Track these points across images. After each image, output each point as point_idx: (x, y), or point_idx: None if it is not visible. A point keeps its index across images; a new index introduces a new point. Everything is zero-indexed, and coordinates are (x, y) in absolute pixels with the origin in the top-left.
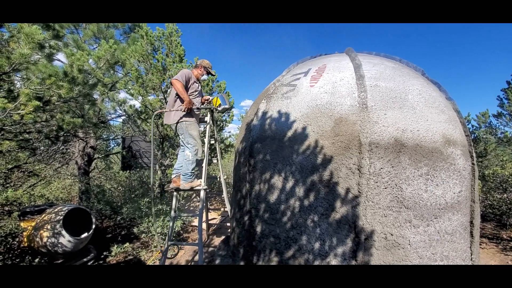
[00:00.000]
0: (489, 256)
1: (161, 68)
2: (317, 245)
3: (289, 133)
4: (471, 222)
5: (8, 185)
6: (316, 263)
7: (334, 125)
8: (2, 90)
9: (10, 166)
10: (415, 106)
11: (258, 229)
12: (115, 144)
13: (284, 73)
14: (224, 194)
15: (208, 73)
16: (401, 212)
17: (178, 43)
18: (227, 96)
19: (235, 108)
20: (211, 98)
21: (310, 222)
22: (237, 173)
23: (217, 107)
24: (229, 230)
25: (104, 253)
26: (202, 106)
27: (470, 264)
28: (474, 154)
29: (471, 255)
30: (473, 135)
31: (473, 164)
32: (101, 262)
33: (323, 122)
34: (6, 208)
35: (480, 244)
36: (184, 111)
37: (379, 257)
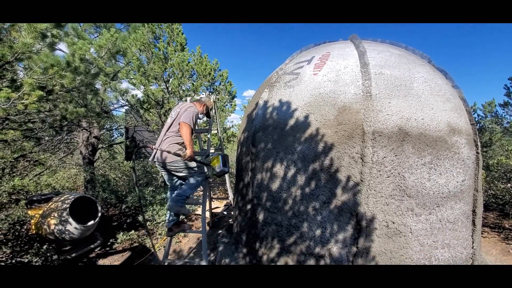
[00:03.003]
0: (490, 244)
1: (163, 57)
2: (318, 232)
3: (292, 122)
4: (474, 211)
5: (14, 174)
6: (317, 249)
7: (337, 114)
8: (5, 79)
9: (16, 156)
10: (420, 94)
11: (260, 217)
12: (119, 134)
13: (287, 61)
14: (227, 184)
15: (207, 114)
16: (403, 201)
17: (180, 31)
18: (228, 158)
19: (238, 98)
20: (211, 96)
21: (312, 209)
22: (239, 162)
23: (215, 167)
24: (230, 220)
25: (111, 240)
26: (200, 160)
27: (471, 252)
28: (479, 143)
29: (473, 243)
30: (478, 124)
31: (477, 153)
32: (107, 249)
33: (326, 110)
34: (13, 197)
35: (482, 233)
36: (183, 160)
37: (380, 244)
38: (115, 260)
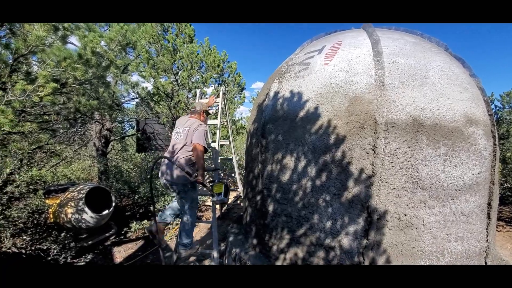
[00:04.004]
0: (505, 239)
1: (172, 49)
2: (328, 224)
3: (302, 113)
4: (489, 204)
5: (32, 164)
6: (327, 241)
7: (349, 105)
8: (20, 72)
9: (33, 147)
10: (436, 84)
11: (270, 208)
12: (130, 127)
13: (297, 51)
14: (236, 175)
15: (208, 113)
16: (416, 193)
17: (188, 22)
18: (229, 187)
19: (246, 90)
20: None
21: (322, 201)
22: (249, 154)
23: (216, 194)
24: (236, 212)
25: (125, 229)
26: (205, 189)
27: (485, 246)
28: (496, 135)
29: (487, 236)
30: (496, 115)
31: (494, 144)
32: (121, 237)
33: (337, 101)
34: (31, 187)
35: (497, 227)
36: (193, 181)
37: (391, 236)
38: (129, 248)
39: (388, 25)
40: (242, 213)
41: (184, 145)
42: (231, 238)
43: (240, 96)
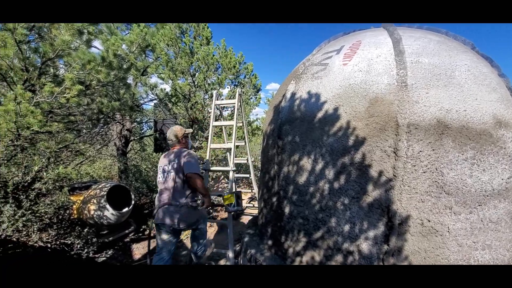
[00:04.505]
0: None
1: (189, 51)
2: (346, 227)
3: (320, 115)
4: None
5: (58, 163)
6: (346, 245)
7: (369, 106)
8: (48, 75)
9: (59, 146)
10: (462, 84)
11: (286, 210)
12: (148, 127)
13: (315, 52)
14: (252, 176)
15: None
16: (441, 198)
17: (205, 25)
18: (241, 194)
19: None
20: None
21: (340, 204)
22: (265, 155)
23: (228, 205)
24: (250, 213)
25: (143, 226)
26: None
27: None
28: None
29: None
30: None
31: None
32: (140, 234)
33: (357, 102)
34: (57, 184)
35: None
36: (204, 207)
37: (413, 243)
38: (147, 245)
39: (397, 25)
40: (257, 214)
41: (178, 181)
42: (246, 239)
43: (256, 97)
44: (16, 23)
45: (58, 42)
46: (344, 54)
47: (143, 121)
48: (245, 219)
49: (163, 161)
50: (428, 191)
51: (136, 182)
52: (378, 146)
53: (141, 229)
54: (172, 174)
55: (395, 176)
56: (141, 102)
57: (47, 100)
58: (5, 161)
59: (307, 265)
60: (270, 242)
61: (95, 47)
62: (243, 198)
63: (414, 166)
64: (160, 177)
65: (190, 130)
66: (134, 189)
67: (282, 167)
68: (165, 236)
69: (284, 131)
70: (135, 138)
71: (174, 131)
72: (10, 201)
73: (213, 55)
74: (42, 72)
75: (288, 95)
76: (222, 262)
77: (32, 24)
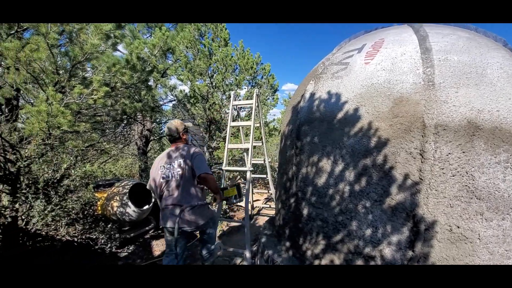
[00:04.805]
0: None
1: (208, 53)
2: (368, 231)
3: (340, 115)
4: None
5: (85, 161)
6: (367, 250)
7: (393, 106)
8: (77, 77)
9: (86, 145)
10: (495, 83)
11: (305, 211)
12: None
13: (335, 51)
14: (268, 177)
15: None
16: (471, 203)
17: (223, 26)
18: (240, 187)
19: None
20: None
21: (361, 207)
22: (283, 155)
23: (231, 197)
24: (266, 213)
25: None
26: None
27: None
28: None
29: None
30: None
31: None
32: (159, 231)
33: (380, 102)
34: (84, 181)
35: None
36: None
37: (441, 249)
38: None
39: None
40: (274, 215)
41: (187, 181)
42: (263, 240)
43: (273, 98)
44: (49, 27)
45: (88, 46)
46: (366, 53)
47: (162, 121)
48: (261, 220)
49: (163, 160)
50: (458, 196)
51: None
52: (403, 148)
53: (160, 227)
54: (179, 173)
55: (421, 179)
56: (161, 103)
57: (76, 101)
58: (37, 159)
59: (326, 265)
60: (287, 244)
61: (119, 50)
62: (259, 199)
63: (443, 169)
64: (160, 178)
65: (190, 124)
66: None
67: (300, 168)
68: (173, 239)
69: (303, 132)
70: (155, 138)
71: (174, 125)
72: (41, 196)
73: (232, 56)
74: (72, 75)
75: (307, 95)
76: (238, 261)
77: (62, 28)
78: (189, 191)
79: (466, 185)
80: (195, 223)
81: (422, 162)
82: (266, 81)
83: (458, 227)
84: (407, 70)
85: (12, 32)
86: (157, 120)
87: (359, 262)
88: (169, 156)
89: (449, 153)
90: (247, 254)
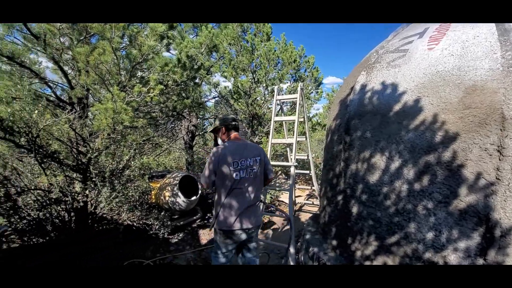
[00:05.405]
0: None
1: (250, 48)
2: (430, 235)
3: (397, 107)
4: None
5: (142, 153)
6: (428, 255)
7: (464, 95)
8: (136, 77)
9: (143, 139)
10: None
11: (354, 210)
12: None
13: (390, 38)
14: (312, 173)
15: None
16: None
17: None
18: None
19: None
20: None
21: (422, 209)
22: (329, 151)
23: None
24: (307, 210)
25: (208, 214)
26: None
27: None
28: None
29: None
30: None
31: None
32: (205, 221)
33: (447, 92)
34: (141, 172)
35: None
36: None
37: None
38: (211, 232)
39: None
40: (319, 212)
41: (260, 179)
42: (307, 236)
43: (317, 92)
44: (113, 32)
45: (146, 48)
46: (430, 37)
47: (206, 117)
48: (303, 216)
49: (235, 155)
50: None
51: (201, 173)
52: (476, 143)
53: (206, 217)
54: (254, 171)
55: (498, 179)
56: (205, 99)
57: (136, 99)
58: (103, 151)
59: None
60: (334, 242)
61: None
62: (300, 195)
63: None
64: (233, 174)
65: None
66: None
67: (349, 164)
68: (237, 244)
69: (352, 126)
70: (200, 133)
71: (234, 117)
72: (107, 184)
73: (274, 51)
74: (131, 75)
75: (358, 87)
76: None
77: (123, 32)
78: (259, 191)
79: None
80: (256, 220)
81: (500, 159)
82: (310, 74)
83: None
84: (481, 54)
85: (81, 38)
86: (201, 116)
87: None
88: (240, 151)
89: None
90: (292, 250)
